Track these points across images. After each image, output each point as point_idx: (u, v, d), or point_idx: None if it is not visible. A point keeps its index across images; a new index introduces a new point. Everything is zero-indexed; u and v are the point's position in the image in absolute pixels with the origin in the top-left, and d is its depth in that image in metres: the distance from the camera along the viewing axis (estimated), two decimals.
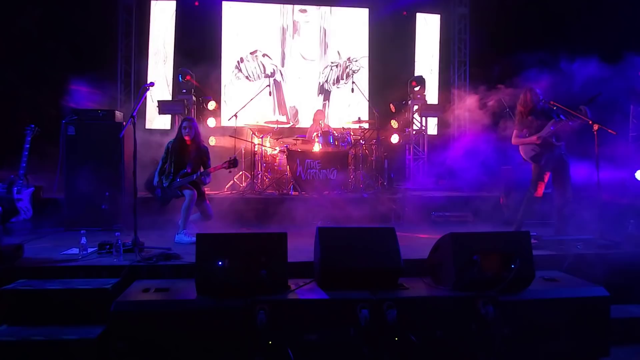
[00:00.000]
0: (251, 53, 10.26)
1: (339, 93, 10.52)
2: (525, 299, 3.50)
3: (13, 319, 3.53)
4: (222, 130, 9.11)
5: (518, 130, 5.43)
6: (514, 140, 5.48)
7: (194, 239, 3.47)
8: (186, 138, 5.37)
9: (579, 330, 3.50)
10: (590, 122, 5.04)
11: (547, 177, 5.36)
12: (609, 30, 7.58)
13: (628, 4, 7.75)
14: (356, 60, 10.64)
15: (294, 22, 10.46)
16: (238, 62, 10.19)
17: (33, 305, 3.56)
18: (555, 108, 5.26)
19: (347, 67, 10.59)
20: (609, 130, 5.13)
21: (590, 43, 6.83)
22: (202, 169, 5.44)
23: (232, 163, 5.35)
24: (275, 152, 8.29)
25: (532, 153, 5.36)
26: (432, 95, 10.61)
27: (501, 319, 3.31)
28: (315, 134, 8.12)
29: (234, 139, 8.23)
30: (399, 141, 9.61)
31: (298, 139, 8.55)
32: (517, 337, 3.42)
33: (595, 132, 5.02)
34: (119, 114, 6.45)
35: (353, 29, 10.66)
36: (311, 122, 9.09)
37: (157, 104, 8.83)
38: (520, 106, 5.45)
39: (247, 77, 10.21)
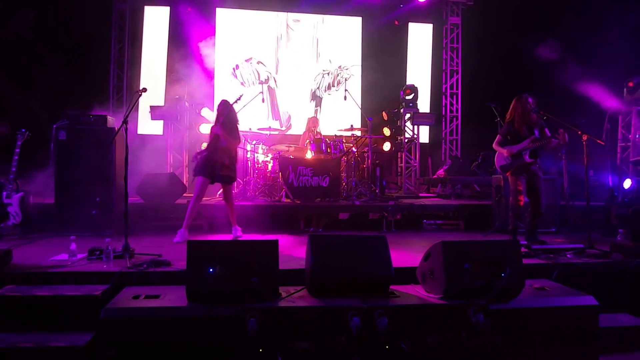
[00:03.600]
0: (246, 60, 10.30)
1: (330, 100, 10.58)
2: (515, 307, 3.51)
3: (0, 326, 3.48)
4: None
5: (502, 136, 5.47)
6: (494, 145, 5.52)
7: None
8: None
9: (568, 339, 3.52)
10: (565, 142, 5.12)
11: (523, 186, 5.38)
12: (604, 41, 7.68)
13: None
14: (347, 68, 10.71)
15: (287, 30, 10.51)
16: (234, 68, 10.23)
17: (21, 312, 3.52)
18: (545, 118, 5.32)
19: (338, 75, 10.65)
20: (598, 141, 5.19)
21: (582, 52, 6.91)
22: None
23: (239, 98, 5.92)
24: (268, 158, 8.28)
25: (503, 162, 5.43)
26: (424, 103, 10.67)
27: (491, 328, 3.33)
28: (307, 141, 8.13)
29: None
30: (391, 149, 9.65)
31: (290, 146, 8.55)
32: (507, 346, 3.43)
33: (584, 143, 5.07)
34: (110, 119, 6.41)
35: (345, 38, 10.74)
36: (304, 129, 9.10)
37: (149, 109, 8.81)
38: (510, 113, 5.47)
39: (242, 84, 10.24)
